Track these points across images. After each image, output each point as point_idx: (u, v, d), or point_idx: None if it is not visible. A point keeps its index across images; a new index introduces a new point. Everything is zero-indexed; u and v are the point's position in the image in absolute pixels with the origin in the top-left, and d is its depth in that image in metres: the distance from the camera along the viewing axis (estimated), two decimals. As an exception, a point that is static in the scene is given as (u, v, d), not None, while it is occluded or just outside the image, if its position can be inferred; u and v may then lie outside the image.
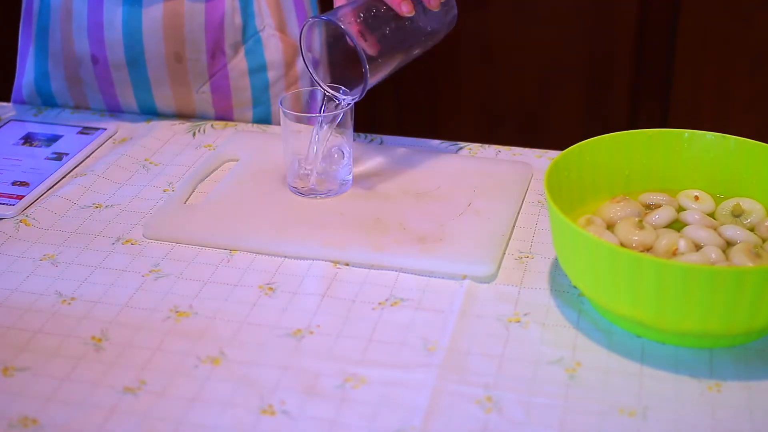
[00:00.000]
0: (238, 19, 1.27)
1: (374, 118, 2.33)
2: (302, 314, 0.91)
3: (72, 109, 1.32)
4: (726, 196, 0.98)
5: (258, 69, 1.31)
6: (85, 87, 1.31)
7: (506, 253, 1.00)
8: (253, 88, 1.31)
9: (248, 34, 1.29)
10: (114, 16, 1.25)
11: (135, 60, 1.27)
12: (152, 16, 1.24)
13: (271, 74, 1.32)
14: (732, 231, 0.92)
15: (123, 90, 1.30)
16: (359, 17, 1.01)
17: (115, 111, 1.32)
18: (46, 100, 1.34)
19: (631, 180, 1.00)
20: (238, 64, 1.29)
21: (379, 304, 0.93)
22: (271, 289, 0.95)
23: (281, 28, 1.32)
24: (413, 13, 1.03)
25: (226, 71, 1.29)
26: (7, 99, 1.39)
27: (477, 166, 1.15)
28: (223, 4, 1.26)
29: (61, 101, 1.33)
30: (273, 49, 1.31)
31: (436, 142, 1.24)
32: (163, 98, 1.30)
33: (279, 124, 1.18)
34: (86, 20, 1.26)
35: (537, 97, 2.35)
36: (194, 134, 1.25)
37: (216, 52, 1.28)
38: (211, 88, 1.29)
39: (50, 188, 1.13)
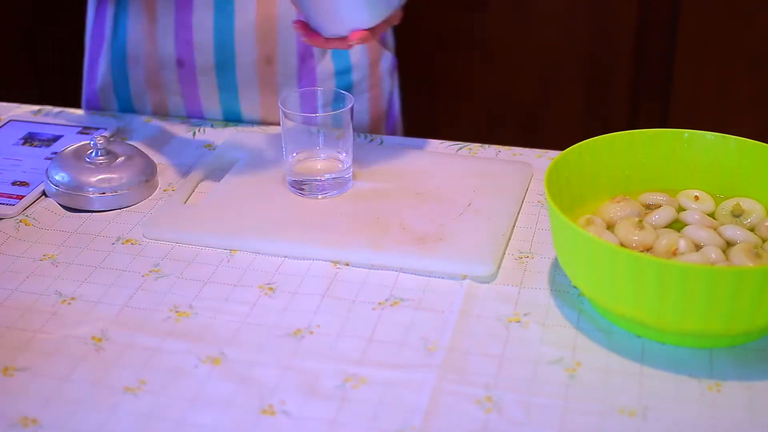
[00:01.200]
0: None
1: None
2: (302, 314, 0.91)
3: (151, 116, 1.31)
4: (726, 196, 0.98)
5: (344, 71, 1.29)
6: (166, 91, 1.29)
7: (506, 253, 1.00)
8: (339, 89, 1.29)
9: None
10: (204, 19, 1.23)
11: (224, 63, 1.25)
12: (245, 19, 1.23)
13: (355, 75, 1.30)
14: (732, 231, 0.92)
15: (208, 94, 1.28)
16: None
17: (196, 116, 1.30)
18: (122, 105, 1.32)
19: (631, 180, 1.00)
20: (326, 66, 1.28)
21: (379, 304, 0.93)
22: (271, 289, 0.95)
23: None
24: None
25: (314, 74, 1.28)
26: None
27: (477, 166, 1.15)
28: None
29: (139, 106, 1.32)
30: (358, 49, 1.29)
31: (436, 142, 1.24)
32: (249, 102, 1.28)
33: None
34: (173, 23, 1.24)
35: (537, 97, 2.35)
36: (194, 134, 1.25)
37: (305, 55, 1.26)
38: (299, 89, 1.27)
39: (50, 188, 1.13)
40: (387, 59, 1.35)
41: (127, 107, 1.32)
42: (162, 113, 1.31)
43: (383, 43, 1.34)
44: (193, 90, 1.28)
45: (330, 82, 1.29)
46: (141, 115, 1.31)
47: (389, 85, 1.36)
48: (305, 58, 1.26)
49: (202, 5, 1.23)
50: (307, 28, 1.06)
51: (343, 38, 1.04)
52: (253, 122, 1.30)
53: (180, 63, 1.26)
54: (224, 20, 1.23)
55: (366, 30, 1.03)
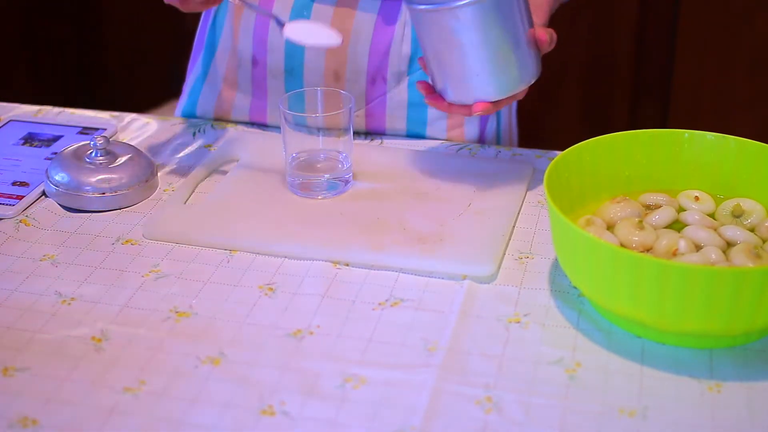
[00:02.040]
0: (406, 48, 1.21)
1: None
2: (302, 314, 0.91)
3: (213, 121, 1.29)
4: (726, 196, 0.98)
5: (419, 103, 1.23)
6: (237, 92, 1.27)
7: (506, 253, 1.00)
8: (410, 121, 1.24)
9: (415, 65, 1.22)
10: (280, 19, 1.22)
11: (293, 69, 1.23)
12: None
13: (433, 111, 1.24)
14: (732, 231, 0.92)
15: (275, 100, 1.25)
16: None
17: (259, 124, 1.28)
18: (202, 100, 1.31)
19: (631, 180, 1.00)
20: (398, 94, 1.23)
21: (379, 304, 0.93)
22: (271, 289, 0.95)
23: None
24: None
25: (384, 99, 1.23)
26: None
27: (477, 166, 1.15)
28: (393, 31, 1.20)
29: (209, 104, 1.30)
30: None
31: (436, 142, 1.24)
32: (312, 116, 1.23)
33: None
34: (254, 20, 1.23)
35: (537, 97, 2.35)
36: (194, 134, 1.25)
37: (377, 77, 1.22)
38: (366, 113, 1.24)
39: (50, 188, 1.13)
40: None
41: (208, 104, 1.30)
42: (226, 117, 1.29)
43: None
44: (263, 93, 1.26)
45: (401, 111, 1.23)
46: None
47: (475, 132, 1.27)
48: (376, 80, 1.22)
49: (281, 6, 1.21)
50: (431, 89, 1.06)
51: (466, 106, 1.04)
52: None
53: (254, 62, 1.25)
54: (300, 18, 1.20)
55: (490, 102, 1.03)
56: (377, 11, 1.20)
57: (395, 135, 1.25)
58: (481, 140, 1.28)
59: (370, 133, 1.26)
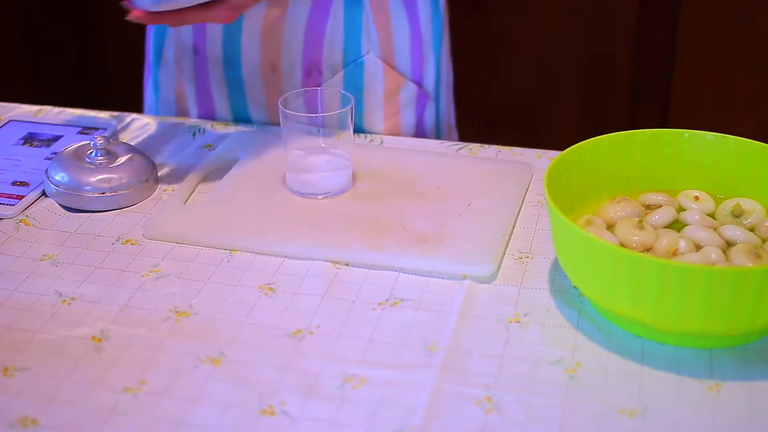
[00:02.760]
0: (339, 41, 1.23)
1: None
2: (302, 314, 0.91)
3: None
4: (726, 196, 0.98)
5: (354, 95, 1.22)
6: (185, 78, 1.29)
7: (506, 253, 1.00)
8: None
9: (349, 57, 1.24)
10: None
11: (231, 59, 1.25)
12: (253, 20, 1.22)
13: (368, 104, 1.26)
14: (732, 231, 0.92)
15: (218, 88, 1.27)
16: None
17: (209, 118, 1.30)
18: (156, 85, 1.33)
19: (631, 180, 1.00)
20: (334, 85, 1.24)
21: (379, 304, 0.93)
22: (271, 289, 0.95)
23: (388, 58, 1.25)
24: None
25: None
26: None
27: (477, 166, 1.15)
28: (326, 23, 1.21)
29: (165, 92, 1.32)
30: (373, 77, 1.25)
31: (436, 142, 1.24)
32: (256, 103, 1.27)
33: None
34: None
35: (537, 97, 2.35)
36: (194, 134, 1.25)
37: (312, 70, 1.24)
38: None
39: (50, 188, 1.13)
40: (410, 91, 1.29)
41: (155, 93, 1.33)
42: (181, 105, 1.31)
43: (412, 76, 1.28)
44: (205, 82, 1.27)
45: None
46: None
47: (411, 119, 1.30)
48: (311, 72, 1.24)
49: None
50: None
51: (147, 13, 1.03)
52: (261, 122, 1.29)
53: (196, 50, 1.26)
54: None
55: (146, 12, 1.02)
56: (310, 4, 1.22)
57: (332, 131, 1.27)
58: (419, 130, 1.31)
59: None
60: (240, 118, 1.30)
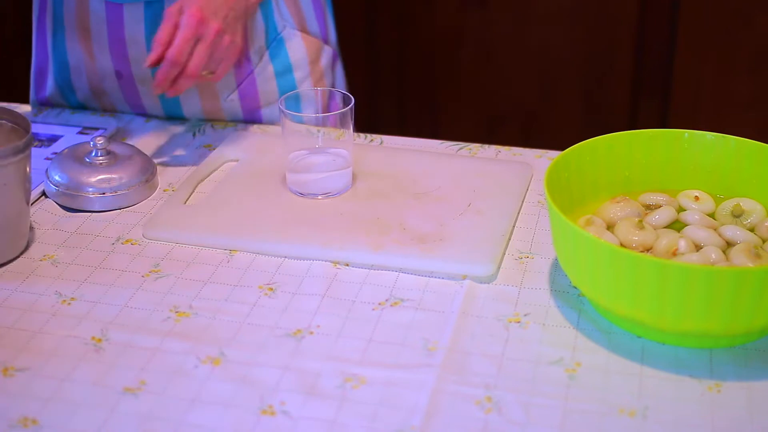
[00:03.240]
0: (260, 22, 1.25)
1: (374, 119, 2.33)
2: (302, 314, 0.91)
3: (94, 110, 1.32)
4: (726, 196, 0.98)
5: (284, 71, 1.28)
6: (110, 98, 1.29)
7: (506, 253, 1.00)
8: (281, 90, 1.29)
9: (270, 36, 1.27)
10: (136, 33, 1.23)
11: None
12: None
13: (298, 74, 1.29)
14: (732, 231, 0.92)
15: (150, 101, 1.28)
16: None
17: (142, 114, 1.31)
18: (73, 105, 1.33)
19: (631, 180, 1.00)
20: (264, 69, 1.27)
21: (379, 304, 0.93)
22: (271, 289, 0.95)
23: (302, 26, 1.29)
24: None
25: (253, 77, 1.27)
26: (18, 99, 1.37)
27: (477, 166, 1.15)
28: None
29: (89, 106, 1.32)
30: (296, 48, 1.28)
31: (436, 142, 1.24)
32: (191, 107, 1.28)
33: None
34: (106, 38, 1.24)
35: (537, 96, 2.35)
36: (194, 134, 1.25)
37: (241, 59, 1.25)
38: (240, 95, 1.27)
39: (50, 188, 1.13)
40: (327, 54, 1.33)
41: (79, 106, 1.33)
42: (111, 110, 1.32)
43: (322, 38, 1.32)
44: (136, 98, 1.28)
45: (272, 83, 1.28)
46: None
47: (331, 79, 1.35)
48: (241, 62, 1.26)
49: (132, 21, 1.22)
50: None
51: None
52: (196, 118, 1.30)
53: (119, 75, 1.27)
54: (154, 33, 1.20)
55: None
56: None
57: (273, 113, 1.29)
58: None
59: (246, 121, 1.29)
60: (172, 114, 1.30)
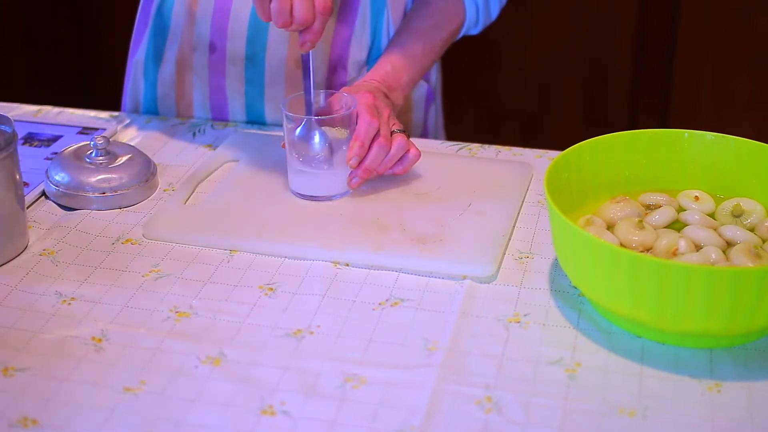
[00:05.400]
0: (366, 38, 1.24)
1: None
2: (302, 314, 0.91)
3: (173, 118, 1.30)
4: (726, 196, 0.98)
5: None
6: (194, 75, 1.27)
7: (506, 253, 1.00)
8: None
9: (373, 54, 1.25)
10: (243, 7, 1.21)
11: (254, 55, 1.24)
12: None
13: None
14: (732, 231, 0.92)
15: (234, 86, 1.26)
16: None
17: (218, 119, 1.29)
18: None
19: (631, 180, 1.00)
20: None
21: (380, 304, 0.93)
22: (271, 289, 0.95)
23: None
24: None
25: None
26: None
27: (477, 166, 1.15)
28: (354, 20, 1.22)
29: (163, 92, 1.30)
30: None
31: (436, 142, 1.24)
32: (273, 101, 1.25)
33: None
34: (213, 4, 1.22)
35: (537, 97, 2.35)
36: (194, 134, 1.25)
37: (337, 67, 1.24)
38: None
39: (50, 188, 1.13)
40: (421, 89, 1.31)
41: (152, 90, 1.31)
42: (184, 102, 1.29)
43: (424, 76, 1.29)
44: (221, 79, 1.26)
45: None
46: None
47: (421, 114, 1.31)
48: (337, 70, 1.24)
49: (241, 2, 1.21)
50: None
51: None
52: (272, 123, 1.28)
53: (212, 48, 1.25)
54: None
55: None
56: (338, 1, 1.21)
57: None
58: (425, 129, 1.32)
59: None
60: (254, 117, 1.29)
